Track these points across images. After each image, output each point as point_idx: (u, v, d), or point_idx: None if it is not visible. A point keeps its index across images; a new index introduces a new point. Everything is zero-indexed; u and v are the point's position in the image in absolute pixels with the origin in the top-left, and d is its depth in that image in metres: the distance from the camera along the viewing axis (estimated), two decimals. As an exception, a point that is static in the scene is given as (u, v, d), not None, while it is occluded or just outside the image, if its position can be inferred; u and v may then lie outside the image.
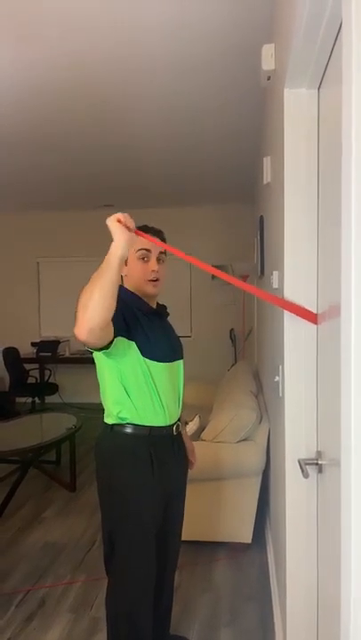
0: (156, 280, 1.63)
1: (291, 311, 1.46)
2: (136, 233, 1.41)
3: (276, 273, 1.91)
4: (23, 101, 2.96)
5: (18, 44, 2.33)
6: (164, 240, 1.68)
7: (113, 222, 1.34)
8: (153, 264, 1.62)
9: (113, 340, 1.42)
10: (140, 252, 1.62)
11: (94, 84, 2.76)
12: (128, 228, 1.34)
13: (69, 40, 2.30)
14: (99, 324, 1.30)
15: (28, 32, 2.23)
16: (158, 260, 1.63)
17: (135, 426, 1.57)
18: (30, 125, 3.36)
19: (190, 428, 2.76)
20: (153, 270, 1.61)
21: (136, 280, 1.63)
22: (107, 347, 1.42)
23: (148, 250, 1.61)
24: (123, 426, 1.58)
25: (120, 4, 2.02)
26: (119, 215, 1.34)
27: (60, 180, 4.85)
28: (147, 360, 1.54)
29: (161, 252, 1.64)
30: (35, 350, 6.25)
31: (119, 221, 1.33)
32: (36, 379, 6.09)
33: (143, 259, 1.62)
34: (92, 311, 1.28)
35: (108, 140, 3.71)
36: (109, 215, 1.36)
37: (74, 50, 2.39)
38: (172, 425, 1.64)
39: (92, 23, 2.16)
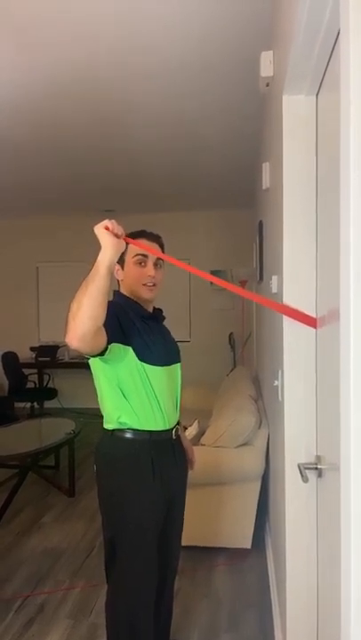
0: (153, 285, 1.63)
1: (290, 316, 1.46)
2: (125, 240, 1.41)
3: (275, 278, 1.92)
4: (23, 107, 2.98)
5: (19, 50, 2.35)
6: (162, 245, 1.69)
7: (100, 229, 1.34)
8: (150, 269, 1.61)
9: (108, 347, 1.42)
10: (137, 257, 1.62)
11: (94, 90, 2.78)
12: (116, 235, 1.35)
13: (70, 46, 2.32)
14: (89, 330, 1.30)
15: (29, 39, 2.25)
16: (155, 265, 1.63)
17: (135, 431, 1.57)
18: (30, 130, 3.38)
19: (190, 432, 2.76)
20: (150, 275, 1.61)
21: (132, 285, 1.63)
22: (102, 353, 1.42)
23: (144, 255, 1.61)
24: (123, 431, 1.57)
25: (120, 10, 2.04)
26: (107, 222, 1.35)
27: (60, 184, 4.87)
28: (144, 364, 1.54)
29: (158, 258, 1.64)
30: (34, 355, 6.25)
31: (107, 229, 1.34)
32: (35, 383, 6.08)
33: (140, 264, 1.62)
34: (82, 318, 1.28)
35: (109, 146, 3.72)
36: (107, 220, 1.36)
37: (74, 56, 2.41)
38: (172, 429, 1.64)
39: (92, 30, 2.18)
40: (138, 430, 1.56)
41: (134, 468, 1.57)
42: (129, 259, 1.63)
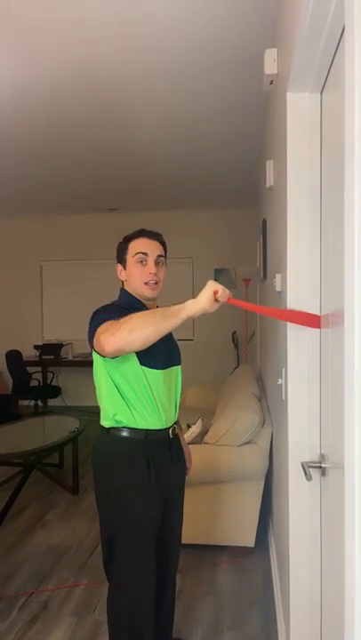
0: (155, 283, 1.62)
1: (295, 322, 1.46)
2: (229, 301, 1.41)
3: (278, 276, 1.91)
4: (26, 108, 2.98)
5: (21, 52, 2.35)
6: (163, 243, 1.68)
7: (210, 289, 1.35)
8: (151, 267, 1.61)
9: None
10: (138, 255, 1.61)
11: (96, 91, 2.78)
12: (216, 300, 1.36)
13: (72, 47, 2.31)
14: (132, 349, 1.37)
15: (30, 40, 2.25)
16: (157, 262, 1.63)
17: (131, 429, 1.57)
18: (33, 130, 3.38)
19: (193, 431, 2.76)
20: (151, 273, 1.60)
21: (135, 284, 1.63)
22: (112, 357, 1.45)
23: (145, 253, 1.61)
24: (119, 429, 1.58)
25: (122, 10, 2.04)
26: (220, 288, 1.35)
27: (63, 184, 4.87)
28: (144, 368, 1.55)
29: (159, 256, 1.63)
30: (38, 353, 6.27)
31: (215, 292, 1.34)
32: (39, 382, 6.10)
33: (141, 262, 1.61)
34: (137, 339, 1.33)
35: (112, 145, 3.72)
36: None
37: (76, 57, 2.41)
38: (168, 428, 1.65)
39: (93, 30, 2.18)
40: (134, 428, 1.57)
41: (130, 466, 1.57)
42: (130, 258, 1.63)
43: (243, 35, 2.22)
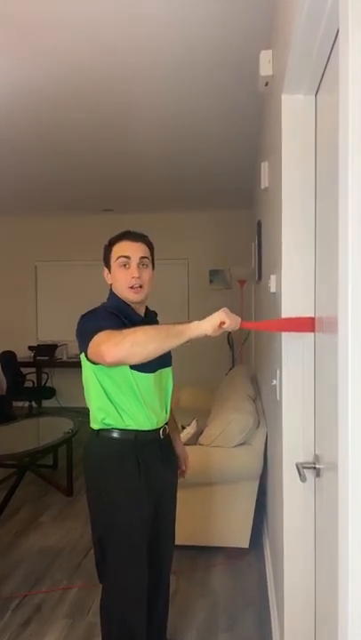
0: (140, 286, 1.60)
1: (291, 330, 1.47)
2: (242, 326, 1.43)
3: (273, 277, 1.92)
4: (23, 107, 2.97)
5: (19, 51, 2.34)
6: (149, 244, 1.67)
7: (218, 319, 1.35)
8: (133, 270, 1.59)
9: None
10: (120, 259, 1.60)
11: (94, 91, 2.78)
12: (221, 328, 1.37)
13: (72, 47, 2.31)
14: (131, 362, 1.39)
15: (29, 40, 2.24)
16: (140, 265, 1.60)
17: (121, 430, 1.57)
18: (30, 131, 3.37)
19: (188, 432, 2.76)
20: (134, 277, 1.59)
21: (120, 287, 1.62)
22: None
23: (127, 257, 1.59)
24: (108, 431, 1.58)
25: (119, 11, 2.03)
26: (227, 320, 1.35)
27: (61, 184, 4.86)
28: (133, 372, 1.54)
29: (142, 257, 1.61)
30: (32, 354, 6.24)
31: (223, 322, 1.35)
32: (34, 382, 6.07)
33: (124, 265, 1.60)
34: (137, 352, 1.34)
35: (108, 146, 3.72)
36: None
37: (74, 57, 2.40)
38: (159, 429, 1.64)
39: (93, 30, 2.17)
40: (123, 430, 1.57)
41: (120, 467, 1.57)
42: (113, 262, 1.62)
43: (242, 34, 2.22)
